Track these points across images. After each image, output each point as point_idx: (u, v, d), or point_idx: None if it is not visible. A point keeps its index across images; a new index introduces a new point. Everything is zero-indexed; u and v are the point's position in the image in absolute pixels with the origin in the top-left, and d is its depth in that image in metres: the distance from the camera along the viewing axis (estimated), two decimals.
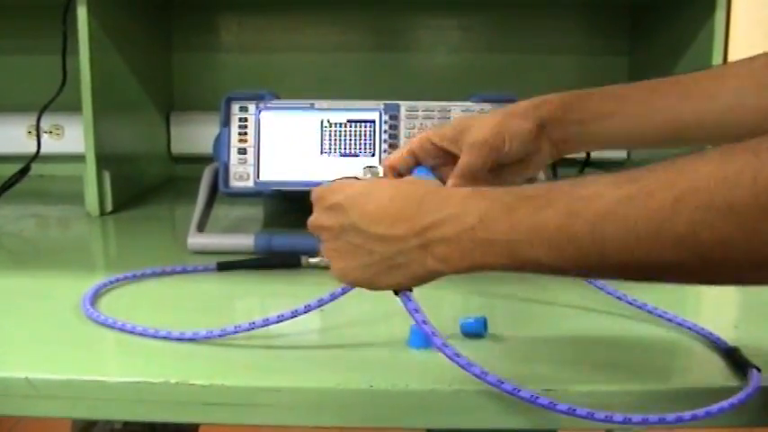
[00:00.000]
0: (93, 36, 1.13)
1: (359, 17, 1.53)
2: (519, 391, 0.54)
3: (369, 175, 0.72)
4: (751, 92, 0.71)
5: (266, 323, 0.67)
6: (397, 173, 0.73)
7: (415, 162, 0.74)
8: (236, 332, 0.67)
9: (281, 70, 1.53)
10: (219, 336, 0.67)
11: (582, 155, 1.35)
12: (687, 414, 0.55)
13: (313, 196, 0.63)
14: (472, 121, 0.73)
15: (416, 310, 0.57)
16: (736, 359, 0.63)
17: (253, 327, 0.67)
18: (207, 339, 0.67)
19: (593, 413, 0.54)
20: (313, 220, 0.62)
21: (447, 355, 0.56)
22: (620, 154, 1.46)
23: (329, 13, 1.52)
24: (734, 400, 0.56)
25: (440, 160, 0.74)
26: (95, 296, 0.78)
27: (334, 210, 0.59)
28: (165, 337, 0.67)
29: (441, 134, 0.74)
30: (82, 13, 1.11)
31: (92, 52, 1.13)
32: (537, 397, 0.54)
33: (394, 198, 0.57)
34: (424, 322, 0.57)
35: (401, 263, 0.55)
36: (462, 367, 0.56)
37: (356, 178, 0.65)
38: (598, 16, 1.52)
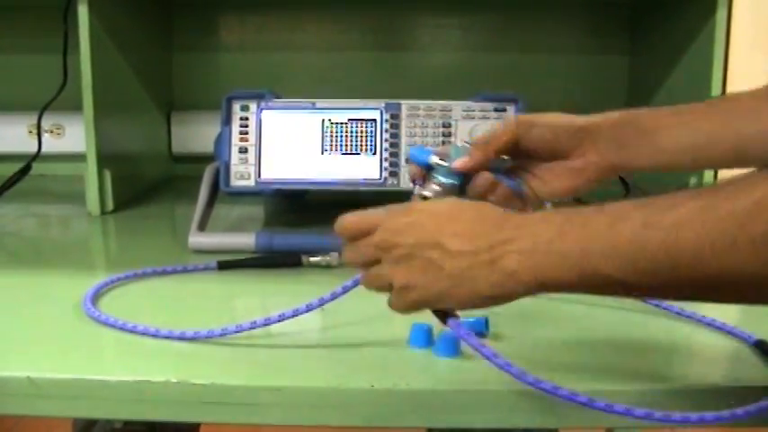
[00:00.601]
0: (94, 35, 1.13)
1: (360, 16, 1.53)
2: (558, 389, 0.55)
3: (461, 150, 0.72)
4: None
5: (268, 322, 0.67)
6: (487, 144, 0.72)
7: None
8: (237, 331, 0.67)
9: (281, 69, 1.53)
10: (220, 335, 0.67)
11: None
12: (726, 413, 0.54)
13: (374, 218, 0.60)
14: (533, 116, 0.74)
15: (469, 335, 0.57)
16: (764, 351, 0.63)
17: (254, 326, 0.67)
18: (208, 339, 0.67)
19: (651, 413, 0.53)
20: (383, 237, 0.59)
21: (513, 375, 0.56)
22: None
23: (330, 12, 1.52)
24: (750, 408, 0.55)
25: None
26: (96, 295, 0.78)
27: (412, 227, 0.57)
28: (166, 337, 0.67)
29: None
30: (83, 12, 1.11)
31: (92, 51, 1.13)
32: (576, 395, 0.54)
33: (477, 218, 0.57)
34: (482, 346, 0.57)
35: (467, 277, 0.54)
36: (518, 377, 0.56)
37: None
38: (599, 16, 1.52)
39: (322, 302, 0.66)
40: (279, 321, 0.67)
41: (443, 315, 0.59)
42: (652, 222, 0.48)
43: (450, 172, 0.71)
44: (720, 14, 1.11)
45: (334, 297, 0.66)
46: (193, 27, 1.54)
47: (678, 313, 0.73)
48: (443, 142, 0.98)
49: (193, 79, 1.54)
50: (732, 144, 0.70)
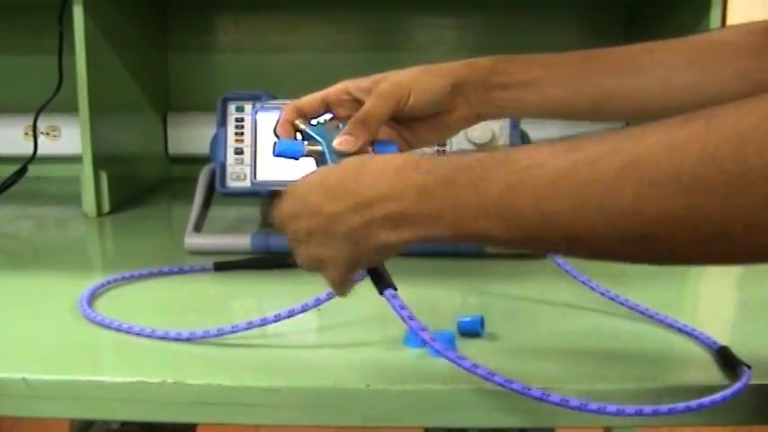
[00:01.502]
0: (90, 36, 1.13)
1: (356, 17, 1.53)
2: (511, 383, 0.54)
3: (306, 126, 0.70)
4: (680, 67, 0.70)
5: (263, 323, 0.67)
6: (303, 116, 0.70)
7: (326, 108, 0.72)
8: (233, 332, 0.67)
9: (277, 70, 1.53)
10: (216, 336, 0.67)
11: None
12: (664, 407, 0.54)
13: (279, 211, 0.61)
14: (390, 73, 0.71)
15: (402, 307, 0.56)
16: (726, 357, 0.63)
17: (250, 326, 0.67)
18: (204, 339, 0.67)
19: (604, 407, 0.53)
20: (287, 227, 0.59)
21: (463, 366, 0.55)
22: None
23: (326, 12, 1.52)
24: (717, 396, 0.56)
25: (354, 112, 0.70)
26: (92, 296, 0.78)
27: (294, 206, 0.58)
28: (162, 338, 0.67)
29: (357, 84, 0.71)
30: (78, 13, 1.11)
31: (88, 53, 1.13)
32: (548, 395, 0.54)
33: (341, 176, 0.55)
34: (411, 318, 0.56)
35: (361, 238, 0.54)
36: (454, 361, 0.55)
37: None
38: (594, 15, 1.52)
39: (318, 303, 0.66)
40: (275, 322, 0.67)
41: (381, 283, 0.57)
42: (516, 184, 0.47)
43: (329, 158, 0.66)
44: (715, 14, 1.11)
45: (329, 297, 0.66)
46: (189, 28, 1.54)
47: (651, 316, 0.73)
48: (438, 142, 0.98)
49: (189, 80, 1.54)
50: (592, 99, 0.71)
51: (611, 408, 0.54)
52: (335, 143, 0.66)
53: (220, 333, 0.67)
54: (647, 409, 0.55)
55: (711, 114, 0.42)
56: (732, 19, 1.40)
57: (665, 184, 0.41)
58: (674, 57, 0.71)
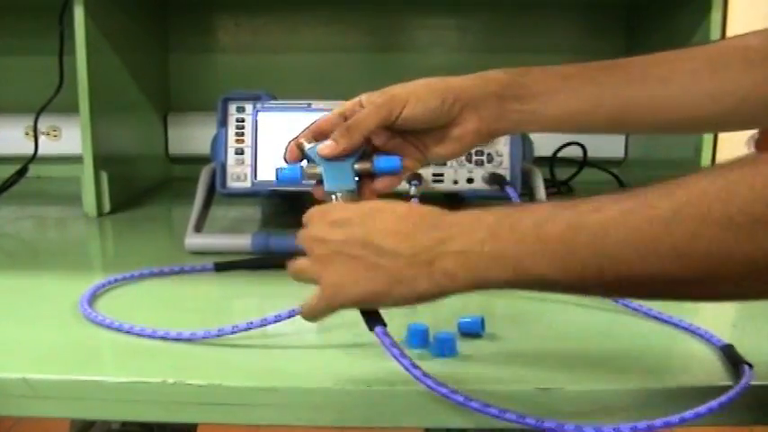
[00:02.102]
0: (90, 37, 1.13)
1: (356, 17, 1.53)
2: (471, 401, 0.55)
3: (307, 147, 0.69)
4: (705, 75, 0.69)
5: (264, 323, 0.67)
6: (323, 137, 0.69)
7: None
8: (233, 332, 0.67)
9: (278, 71, 1.53)
10: (217, 336, 0.67)
11: (578, 153, 1.35)
12: (675, 417, 0.55)
13: (314, 211, 0.61)
14: (397, 85, 0.71)
15: (392, 345, 0.57)
16: (730, 356, 0.63)
17: (250, 327, 0.67)
18: (204, 339, 0.67)
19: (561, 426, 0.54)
20: (314, 232, 0.59)
21: (428, 386, 0.56)
22: (617, 152, 1.46)
23: (326, 13, 1.52)
24: (723, 399, 0.56)
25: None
26: (93, 297, 0.78)
27: (342, 224, 0.58)
28: (162, 338, 0.67)
29: (369, 96, 0.71)
30: (79, 13, 1.11)
31: (89, 53, 1.13)
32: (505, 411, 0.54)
33: (407, 216, 0.56)
34: (402, 355, 0.57)
35: (405, 278, 0.54)
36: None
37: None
38: (594, 16, 1.52)
39: None
40: (275, 322, 0.67)
41: (372, 320, 0.58)
42: (578, 224, 0.49)
43: (326, 181, 0.67)
44: (715, 15, 1.11)
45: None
46: (190, 28, 1.54)
47: (656, 317, 0.73)
48: None
49: (190, 81, 1.54)
50: (614, 110, 0.70)
51: (608, 429, 0.53)
52: (318, 148, 0.68)
53: (221, 333, 0.67)
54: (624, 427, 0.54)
55: (758, 156, 0.44)
56: (733, 19, 1.40)
57: (718, 224, 0.43)
58: (697, 65, 0.70)
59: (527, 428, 0.54)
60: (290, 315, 0.67)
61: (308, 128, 0.71)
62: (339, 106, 0.72)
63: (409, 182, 0.94)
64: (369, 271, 0.55)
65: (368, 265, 0.55)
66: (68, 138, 1.45)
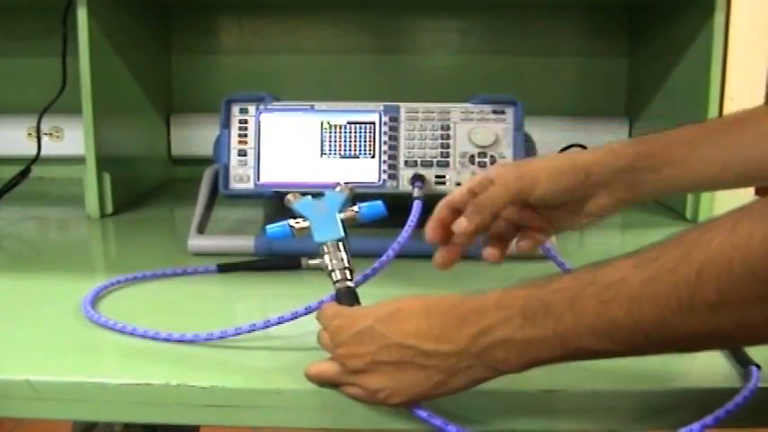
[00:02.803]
0: (93, 38, 1.13)
1: (358, 19, 1.53)
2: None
3: (293, 202, 0.75)
4: None
5: (267, 325, 0.67)
6: (454, 211, 0.72)
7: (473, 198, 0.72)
8: (236, 334, 0.67)
9: (280, 72, 1.53)
10: (220, 337, 0.67)
11: None
12: (684, 430, 0.54)
13: (332, 328, 0.60)
14: (527, 161, 0.74)
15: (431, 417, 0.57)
16: (737, 357, 0.63)
17: (253, 328, 0.67)
18: (207, 341, 0.67)
19: None
20: (341, 352, 0.58)
21: None
22: None
23: (329, 14, 1.52)
24: (730, 406, 0.56)
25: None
26: (96, 298, 0.78)
27: (366, 334, 0.57)
28: (165, 339, 0.67)
29: (500, 172, 0.73)
30: (82, 15, 1.12)
31: (92, 54, 1.13)
32: None
33: (429, 314, 0.56)
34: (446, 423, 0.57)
35: (462, 368, 0.55)
36: None
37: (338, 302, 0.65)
38: (597, 18, 1.52)
39: (321, 305, 0.66)
40: (278, 324, 0.67)
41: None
42: (608, 299, 0.50)
43: (315, 234, 0.71)
44: (718, 17, 1.11)
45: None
46: (192, 30, 1.54)
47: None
48: (442, 144, 0.98)
49: (192, 82, 1.54)
50: (742, 170, 0.71)
51: None
52: (453, 226, 0.70)
53: (224, 335, 0.67)
54: None
55: (762, 206, 0.46)
56: (736, 21, 1.40)
57: (741, 278, 0.45)
58: None
59: None
60: (294, 317, 0.67)
61: (441, 205, 0.74)
62: (468, 182, 0.74)
63: (412, 183, 0.94)
64: (420, 372, 0.56)
65: (417, 367, 0.56)
66: (71, 139, 1.46)
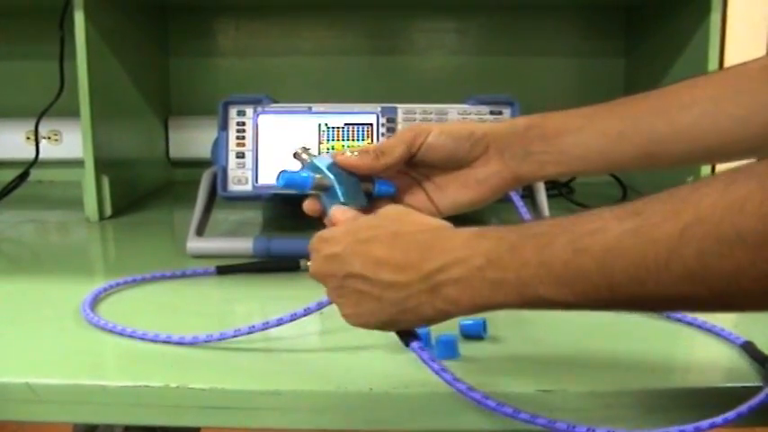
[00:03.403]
0: (91, 41, 1.13)
1: (356, 21, 1.53)
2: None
3: (304, 156, 0.69)
4: (728, 99, 0.68)
5: (266, 326, 0.67)
6: (380, 154, 0.69)
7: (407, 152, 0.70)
8: (235, 336, 0.67)
9: (278, 74, 1.53)
10: (219, 339, 0.67)
11: None
12: (689, 427, 0.54)
13: (309, 246, 0.62)
14: (430, 126, 0.71)
15: (432, 359, 0.57)
16: (751, 353, 0.63)
17: (252, 330, 0.67)
18: (206, 343, 0.67)
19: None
20: (315, 268, 0.61)
21: (475, 399, 0.56)
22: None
23: (326, 16, 1.52)
24: (752, 403, 0.56)
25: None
26: (95, 301, 0.78)
27: (335, 259, 0.58)
28: (165, 341, 0.68)
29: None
30: (79, 18, 1.12)
31: (89, 57, 1.13)
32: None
33: (395, 244, 0.56)
34: (443, 370, 0.56)
35: (410, 307, 0.55)
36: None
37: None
38: (594, 18, 1.52)
39: (320, 307, 0.66)
40: (277, 326, 0.67)
41: (406, 335, 0.58)
42: (582, 248, 0.48)
43: (341, 196, 0.66)
44: (715, 17, 1.11)
45: (331, 301, 0.66)
46: (190, 32, 1.55)
47: (668, 316, 0.74)
48: None
49: (190, 84, 1.54)
50: (641, 144, 0.69)
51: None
52: (339, 157, 0.68)
53: (223, 337, 0.67)
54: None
55: (762, 168, 0.43)
56: (732, 20, 1.40)
57: (726, 242, 0.43)
58: (719, 90, 0.69)
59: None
60: (293, 318, 0.67)
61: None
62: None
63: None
64: (375, 303, 0.56)
65: (373, 298, 0.56)
66: (69, 142, 1.46)
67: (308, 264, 0.62)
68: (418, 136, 0.69)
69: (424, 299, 0.54)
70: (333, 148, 0.98)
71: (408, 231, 0.57)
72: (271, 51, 1.53)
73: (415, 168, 0.72)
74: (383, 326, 0.58)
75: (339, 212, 0.65)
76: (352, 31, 1.54)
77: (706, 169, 1.10)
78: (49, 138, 1.47)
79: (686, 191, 0.46)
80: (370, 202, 0.68)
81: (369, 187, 0.70)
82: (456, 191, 0.71)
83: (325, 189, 0.67)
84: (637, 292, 0.47)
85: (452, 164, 0.70)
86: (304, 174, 0.67)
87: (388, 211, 0.61)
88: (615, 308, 0.51)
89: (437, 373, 0.56)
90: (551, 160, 0.69)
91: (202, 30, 1.55)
